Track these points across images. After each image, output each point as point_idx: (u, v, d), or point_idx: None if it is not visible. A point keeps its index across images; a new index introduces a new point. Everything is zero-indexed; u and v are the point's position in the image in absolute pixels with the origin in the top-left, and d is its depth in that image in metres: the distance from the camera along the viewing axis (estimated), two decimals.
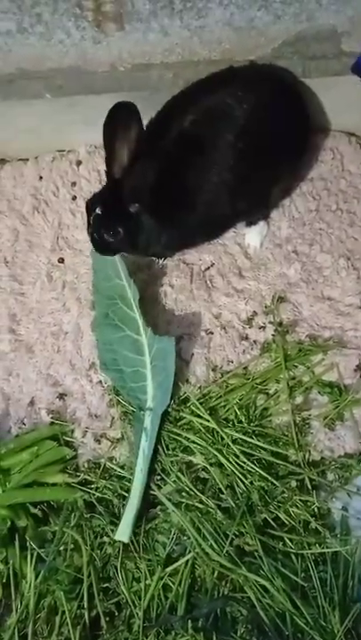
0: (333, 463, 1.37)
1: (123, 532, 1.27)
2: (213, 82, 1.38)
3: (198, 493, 1.30)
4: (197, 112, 1.32)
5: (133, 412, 1.40)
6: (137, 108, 1.18)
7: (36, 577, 1.27)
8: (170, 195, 1.31)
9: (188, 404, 1.39)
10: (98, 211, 1.30)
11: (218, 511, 1.28)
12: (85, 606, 1.24)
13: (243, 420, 1.37)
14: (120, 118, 1.19)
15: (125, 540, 1.27)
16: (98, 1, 1.33)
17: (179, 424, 1.38)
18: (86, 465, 1.39)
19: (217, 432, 1.35)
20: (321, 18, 1.40)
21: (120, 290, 1.42)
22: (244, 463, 1.32)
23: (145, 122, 1.36)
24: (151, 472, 1.34)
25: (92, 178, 1.70)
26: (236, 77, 1.37)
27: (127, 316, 1.41)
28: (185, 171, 1.32)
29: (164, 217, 1.34)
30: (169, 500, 1.31)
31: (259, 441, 1.35)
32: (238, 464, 1.32)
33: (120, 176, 1.25)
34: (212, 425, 1.35)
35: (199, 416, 1.37)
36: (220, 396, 1.41)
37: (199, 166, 1.33)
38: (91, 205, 1.32)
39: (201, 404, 1.38)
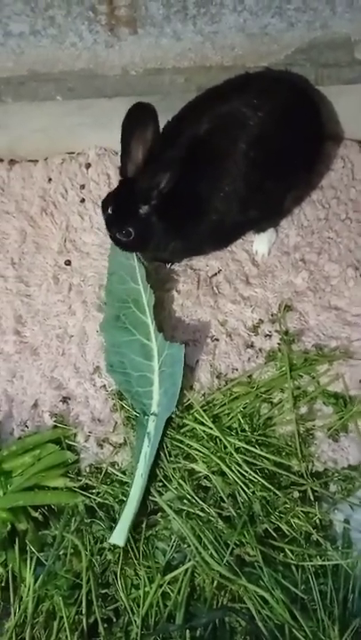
0: (337, 475, 1.36)
1: (118, 536, 1.26)
2: (229, 89, 1.37)
3: (200, 501, 1.30)
4: (212, 120, 1.31)
5: (137, 416, 1.39)
6: (155, 109, 1.19)
7: (35, 581, 1.27)
8: (181, 201, 1.30)
9: (191, 411, 1.39)
10: (109, 210, 1.31)
11: (219, 520, 1.28)
12: (84, 612, 1.24)
13: (246, 428, 1.37)
14: (138, 118, 1.20)
15: (121, 543, 1.26)
16: (112, 5, 1.33)
17: (182, 431, 1.37)
18: (88, 469, 1.39)
19: (220, 440, 1.35)
20: (335, 26, 1.39)
21: (134, 294, 1.42)
22: (247, 472, 1.31)
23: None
24: (152, 478, 1.33)
25: (102, 181, 1.70)
26: (252, 84, 1.36)
27: (139, 320, 1.41)
28: (197, 178, 1.31)
29: (174, 222, 1.34)
30: (170, 506, 1.30)
31: (262, 450, 1.34)
32: (241, 473, 1.31)
33: (133, 175, 1.25)
34: (216, 433, 1.35)
35: (202, 423, 1.36)
36: (224, 404, 1.40)
37: (211, 174, 1.32)
38: (105, 204, 1.33)
39: (205, 411, 1.38)
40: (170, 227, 1.33)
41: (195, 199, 1.33)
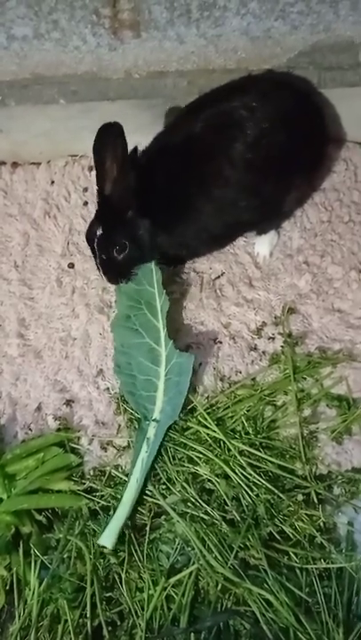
0: (340, 477, 1.36)
1: (107, 539, 1.26)
2: (231, 89, 1.38)
3: (204, 504, 1.30)
4: (209, 118, 1.32)
5: (139, 419, 1.39)
6: (122, 127, 1.23)
7: (40, 584, 1.27)
8: (169, 193, 1.33)
9: (195, 414, 1.39)
10: (99, 232, 1.33)
11: (223, 523, 1.28)
12: (88, 615, 1.24)
13: (250, 431, 1.37)
14: (108, 139, 1.23)
15: (109, 546, 1.26)
16: (115, 8, 1.33)
17: (185, 433, 1.37)
18: (92, 472, 1.39)
19: (224, 443, 1.35)
20: (338, 29, 1.40)
21: (148, 296, 1.41)
22: (251, 475, 1.31)
23: (156, 130, 1.39)
24: (147, 481, 1.33)
25: None
26: (254, 86, 1.36)
27: (149, 323, 1.40)
28: (189, 174, 1.33)
29: (158, 215, 1.34)
30: (174, 509, 1.30)
31: (265, 453, 1.34)
32: (244, 476, 1.31)
33: (110, 192, 1.29)
34: (219, 436, 1.35)
35: (206, 426, 1.36)
36: (228, 407, 1.40)
37: (205, 171, 1.33)
38: (90, 233, 1.35)
39: (208, 414, 1.38)
40: (154, 220, 1.34)
41: (184, 193, 1.34)
